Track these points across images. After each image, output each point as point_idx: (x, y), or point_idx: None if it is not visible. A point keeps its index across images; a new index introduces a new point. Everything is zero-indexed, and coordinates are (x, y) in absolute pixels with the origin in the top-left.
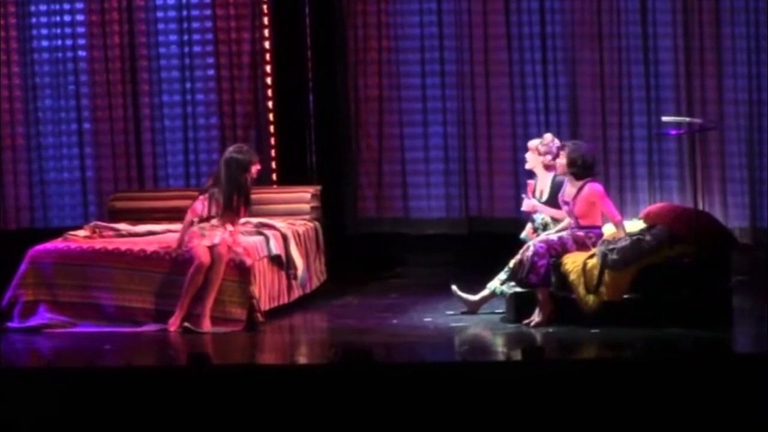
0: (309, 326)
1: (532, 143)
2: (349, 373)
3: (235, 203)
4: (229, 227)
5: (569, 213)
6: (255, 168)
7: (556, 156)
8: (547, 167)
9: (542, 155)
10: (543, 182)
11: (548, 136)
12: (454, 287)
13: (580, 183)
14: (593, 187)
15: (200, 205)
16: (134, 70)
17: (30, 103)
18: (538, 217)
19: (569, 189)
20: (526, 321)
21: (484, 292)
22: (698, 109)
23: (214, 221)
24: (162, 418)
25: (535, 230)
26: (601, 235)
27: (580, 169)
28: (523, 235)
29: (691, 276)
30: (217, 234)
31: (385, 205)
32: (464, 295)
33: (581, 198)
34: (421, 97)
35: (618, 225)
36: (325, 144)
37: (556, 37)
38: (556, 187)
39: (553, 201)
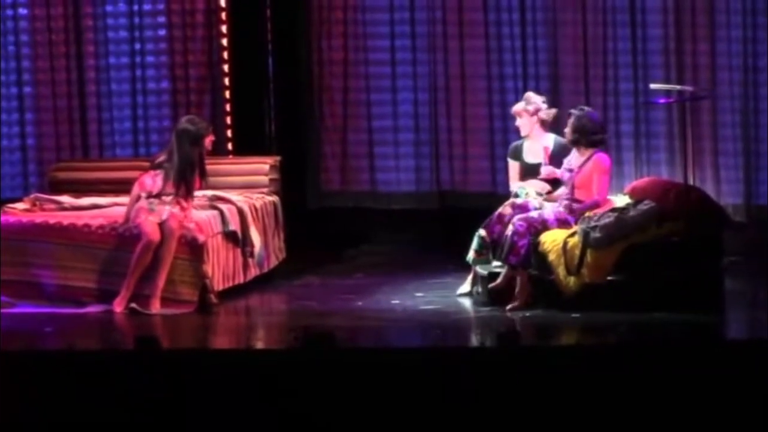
0: (266, 308)
1: (518, 107)
2: (309, 358)
3: (188, 178)
4: (182, 203)
5: (568, 181)
6: (209, 140)
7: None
8: (543, 124)
9: (534, 115)
10: (546, 143)
11: (530, 94)
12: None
13: (588, 152)
14: (600, 158)
15: (150, 180)
16: (79, 30)
17: None
18: (522, 192)
19: (576, 157)
20: (509, 307)
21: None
22: (689, 75)
23: (166, 197)
24: (107, 406)
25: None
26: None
27: (588, 137)
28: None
29: (680, 256)
30: (166, 209)
31: (349, 177)
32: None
33: (586, 168)
34: (390, 60)
35: (597, 204)
36: (285, 111)
37: None
38: (560, 151)
39: (557, 165)
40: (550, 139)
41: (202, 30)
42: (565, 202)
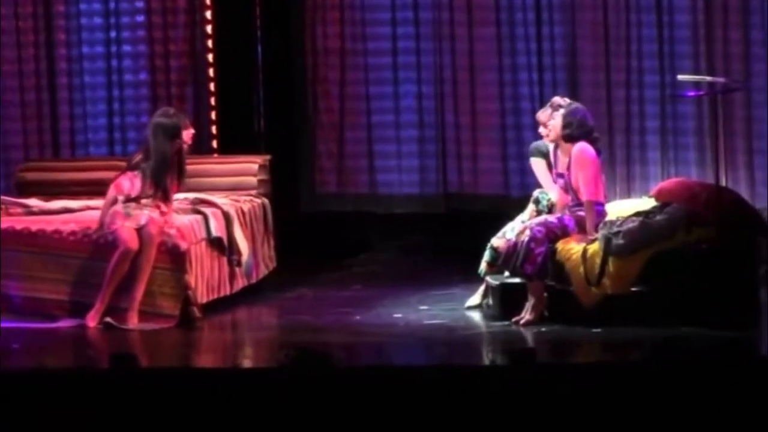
0: (255, 323)
1: (543, 115)
2: (302, 379)
3: (165, 178)
4: (162, 207)
5: (565, 187)
6: (187, 134)
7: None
8: None
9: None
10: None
11: (557, 100)
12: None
13: (569, 148)
14: (581, 147)
15: (127, 183)
16: (49, 15)
17: None
18: (544, 198)
19: (562, 159)
20: (515, 318)
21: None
22: (720, 66)
23: (145, 200)
24: (79, 430)
25: (539, 213)
26: (605, 213)
27: (575, 131)
28: (524, 217)
29: (711, 265)
30: (145, 213)
31: (347, 178)
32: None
33: (573, 164)
34: (391, 49)
35: (587, 204)
36: (275, 105)
37: None
38: None
39: None
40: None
41: (185, 16)
42: (575, 210)
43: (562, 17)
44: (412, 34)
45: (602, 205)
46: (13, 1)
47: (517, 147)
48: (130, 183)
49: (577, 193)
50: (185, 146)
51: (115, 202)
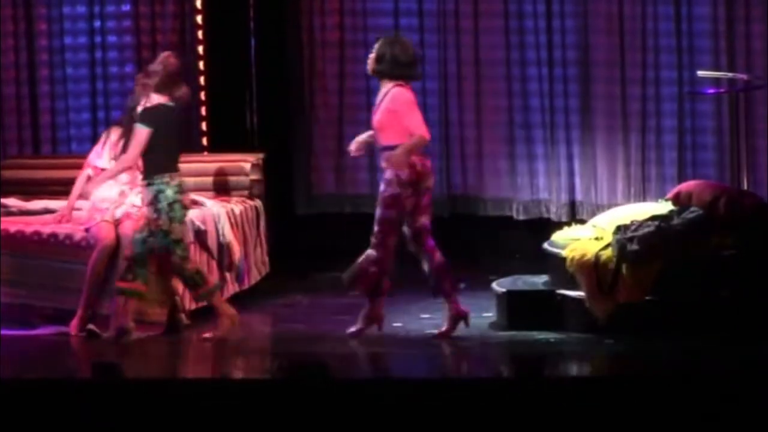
0: (246, 331)
1: None
2: (297, 391)
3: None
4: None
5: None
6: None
7: None
8: None
9: None
10: None
11: None
12: None
13: (388, 86)
14: (398, 92)
15: (93, 154)
16: (29, 4)
17: None
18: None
19: (379, 97)
20: (351, 330)
21: None
22: (741, 62)
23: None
24: None
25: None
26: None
27: (389, 67)
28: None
29: (731, 273)
30: (123, 204)
31: (345, 178)
32: None
33: (383, 105)
34: None
35: (413, 139)
36: (269, 100)
37: None
38: None
39: None
40: None
41: (173, 5)
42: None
43: (574, 9)
44: (415, 26)
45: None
46: None
47: (524, 146)
48: (97, 152)
49: (378, 132)
50: None
51: (87, 180)
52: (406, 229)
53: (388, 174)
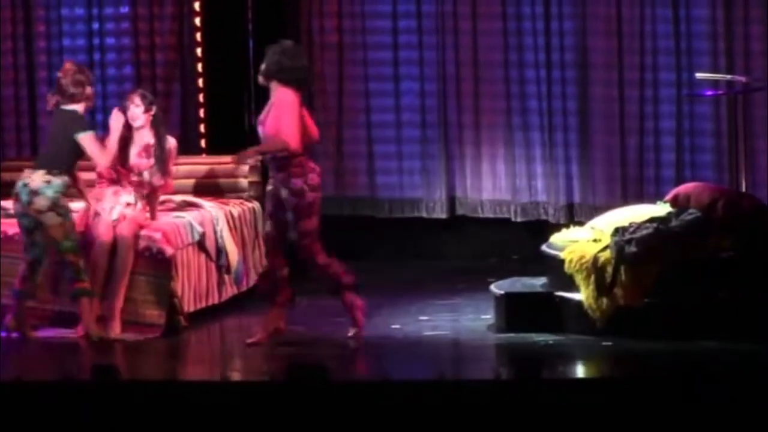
0: (245, 333)
1: None
2: (295, 393)
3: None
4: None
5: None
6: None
7: None
8: None
9: None
10: None
11: None
12: None
13: (275, 92)
14: (280, 93)
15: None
16: (27, 6)
17: None
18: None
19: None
20: (251, 341)
21: None
22: (740, 63)
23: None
24: None
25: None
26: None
27: (286, 74)
28: None
29: (730, 275)
30: (117, 208)
31: (344, 180)
32: None
33: (271, 111)
34: (392, 44)
35: (281, 140)
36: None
37: None
38: None
39: None
40: None
41: (172, 7)
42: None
43: (573, 11)
44: (414, 28)
45: (297, 157)
46: None
47: (524, 148)
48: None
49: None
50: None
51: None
52: (292, 233)
53: (296, 183)
